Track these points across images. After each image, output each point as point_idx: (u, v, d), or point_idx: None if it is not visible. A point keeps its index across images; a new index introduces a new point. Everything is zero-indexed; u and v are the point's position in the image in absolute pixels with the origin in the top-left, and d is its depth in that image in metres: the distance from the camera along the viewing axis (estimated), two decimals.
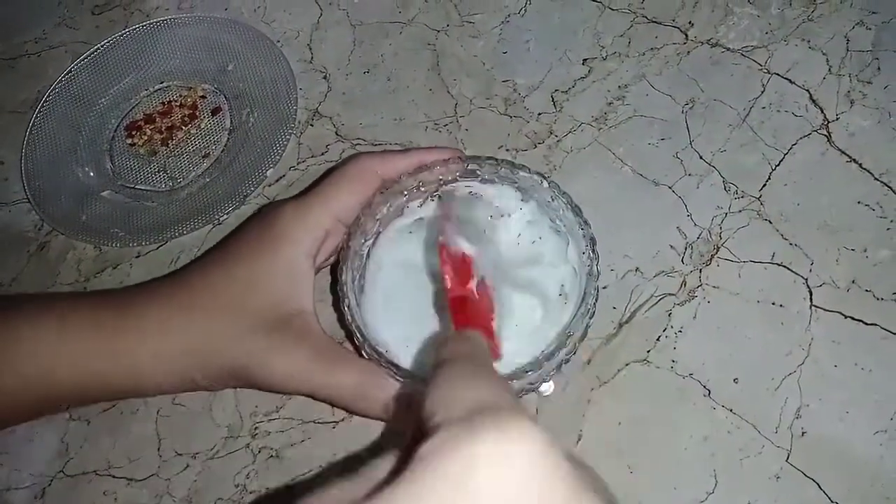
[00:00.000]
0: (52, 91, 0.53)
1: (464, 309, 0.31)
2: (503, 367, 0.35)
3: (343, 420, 0.40)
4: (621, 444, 0.38)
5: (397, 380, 0.35)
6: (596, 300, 0.36)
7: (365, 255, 0.39)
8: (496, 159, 0.39)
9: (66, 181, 0.50)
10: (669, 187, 0.45)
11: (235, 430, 0.40)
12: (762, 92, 0.47)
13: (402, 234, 0.40)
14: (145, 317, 0.37)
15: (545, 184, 0.38)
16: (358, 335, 0.35)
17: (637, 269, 0.42)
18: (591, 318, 0.36)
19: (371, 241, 0.39)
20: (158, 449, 0.41)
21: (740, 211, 0.43)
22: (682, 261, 0.42)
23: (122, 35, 0.55)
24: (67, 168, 0.50)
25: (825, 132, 0.45)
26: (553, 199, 0.38)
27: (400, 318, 0.37)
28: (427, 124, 0.49)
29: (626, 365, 0.40)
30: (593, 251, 0.36)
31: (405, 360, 0.36)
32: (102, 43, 0.55)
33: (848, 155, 0.44)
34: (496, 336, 0.32)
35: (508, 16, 0.53)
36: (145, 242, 0.47)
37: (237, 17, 0.56)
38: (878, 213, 0.42)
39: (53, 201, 0.49)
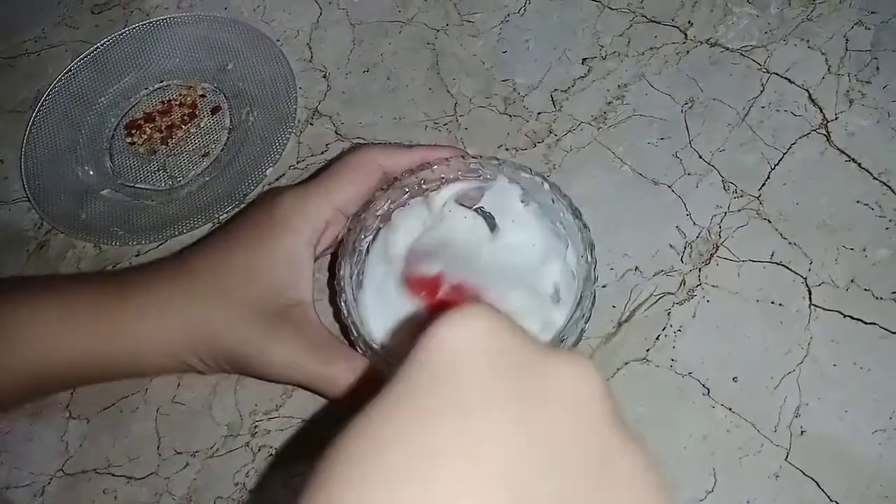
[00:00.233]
0: (51, 90, 0.53)
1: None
2: None
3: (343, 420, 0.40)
4: None
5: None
6: (592, 304, 0.36)
7: (364, 251, 0.39)
8: (498, 159, 0.39)
9: (66, 180, 0.50)
10: (669, 186, 0.45)
11: (235, 429, 0.40)
12: (761, 91, 0.47)
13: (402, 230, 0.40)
14: (145, 297, 0.37)
15: (546, 185, 0.38)
16: (353, 330, 0.35)
17: (636, 269, 0.42)
18: (586, 322, 0.36)
19: (371, 236, 0.39)
20: (158, 447, 0.41)
21: (739, 210, 0.43)
22: (681, 260, 0.42)
23: (121, 34, 0.55)
24: (67, 167, 0.50)
25: (824, 132, 0.45)
26: (554, 202, 0.38)
27: (396, 315, 0.37)
28: (426, 123, 0.49)
29: (626, 364, 0.40)
30: (591, 255, 0.36)
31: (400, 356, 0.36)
32: (102, 42, 0.55)
33: (847, 154, 0.44)
34: None
35: (508, 15, 0.53)
36: (145, 241, 0.47)
37: (237, 16, 0.56)
38: (877, 213, 0.42)
39: (53, 200, 0.49)
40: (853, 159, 0.44)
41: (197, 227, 0.47)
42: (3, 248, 0.49)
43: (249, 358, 0.36)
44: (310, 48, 0.54)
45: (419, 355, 0.19)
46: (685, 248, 0.43)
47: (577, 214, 0.37)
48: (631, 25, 0.51)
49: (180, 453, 0.40)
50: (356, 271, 0.38)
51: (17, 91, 0.55)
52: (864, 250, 0.41)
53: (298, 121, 0.51)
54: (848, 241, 0.41)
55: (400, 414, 0.18)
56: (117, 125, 0.53)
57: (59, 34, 0.58)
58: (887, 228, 0.42)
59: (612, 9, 0.52)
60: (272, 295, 0.36)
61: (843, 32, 0.48)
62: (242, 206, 0.48)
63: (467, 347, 0.19)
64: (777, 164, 0.44)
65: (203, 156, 0.51)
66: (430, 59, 0.52)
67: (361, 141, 0.49)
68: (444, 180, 0.40)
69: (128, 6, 0.58)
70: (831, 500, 0.35)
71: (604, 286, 0.42)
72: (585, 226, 0.37)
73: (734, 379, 0.39)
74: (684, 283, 0.42)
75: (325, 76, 0.52)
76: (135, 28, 0.55)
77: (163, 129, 0.52)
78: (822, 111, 0.46)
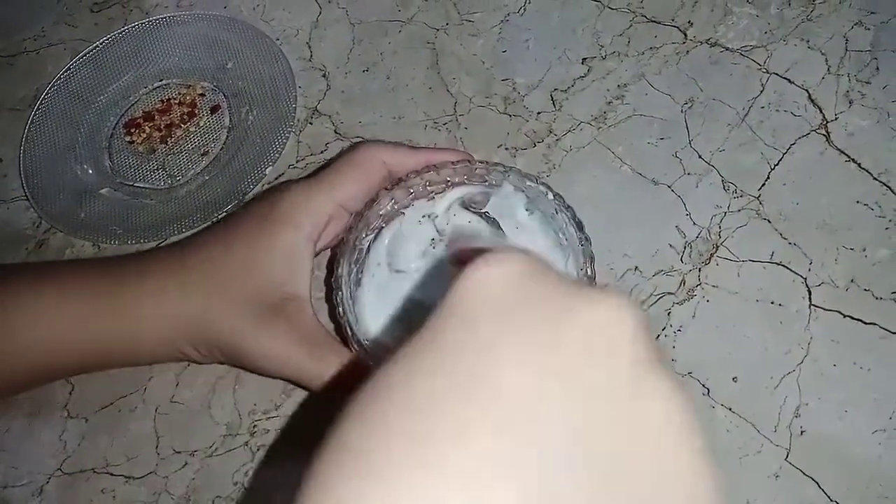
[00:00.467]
0: (50, 88, 0.53)
1: None
2: None
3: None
4: None
5: None
6: None
7: (365, 250, 0.39)
8: (505, 166, 0.39)
9: (65, 178, 0.50)
10: (668, 186, 0.45)
11: (234, 428, 0.40)
12: (761, 91, 0.47)
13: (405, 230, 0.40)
14: (144, 286, 0.37)
15: (550, 195, 0.38)
16: (347, 328, 0.35)
17: (636, 268, 0.42)
18: None
19: (372, 235, 0.39)
20: (157, 447, 0.40)
21: (739, 210, 0.43)
22: (681, 260, 0.42)
23: (121, 33, 0.55)
24: (66, 165, 0.50)
25: (824, 132, 0.45)
26: (557, 212, 0.38)
27: (394, 314, 0.37)
28: (426, 123, 0.49)
29: None
30: (592, 268, 0.36)
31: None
32: (101, 40, 0.55)
33: (847, 154, 0.44)
34: None
35: (508, 15, 0.53)
36: (143, 240, 0.47)
37: (236, 14, 0.56)
38: (876, 213, 0.42)
39: (52, 199, 0.49)
40: (853, 159, 0.44)
41: (196, 227, 0.47)
42: (1, 246, 0.48)
43: (242, 349, 0.36)
44: (309, 47, 0.54)
45: (450, 299, 0.19)
46: (685, 248, 0.43)
47: (579, 226, 0.37)
48: (631, 25, 0.51)
49: (179, 452, 0.40)
50: (355, 269, 0.38)
51: (16, 89, 0.55)
52: (864, 250, 0.41)
53: (298, 120, 0.51)
54: (848, 242, 0.41)
55: (429, 354, 0.18)
56: (116, 124, 0.52)
57: (58, 32, 0.58)
58: (887, 228, 0.42)
59: (612, 8, 0.52)
60: (269, 288, 0.36)
61: (842, 33, 0.48)
62: (242, 205, 0.48)
63: (499, 290, 0.18)
64: (777, 164, 0.44)
65: (202, 155, 0.51)
66: (429, 59, 0.52)
67: (361, 140, 0.49)
68: (449, 183, 0.40)
69: (127, 5, 0.58)
70: (831, 500, 0.35)
71: (604, 286, 0.42)
72: (587, 238, 0.37)
73: (734, 379, 0.39)
74: (684, 283, 0.41)
75: (324, 75, 0.52)
76: (134, 27, 0.55)
77: (162, 127, 0.52)
78: (821, 111, 0.46)
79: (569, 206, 0.38)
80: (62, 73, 0.54)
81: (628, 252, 0.43)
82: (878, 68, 0.47)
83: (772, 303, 0.40)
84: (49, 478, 0.40)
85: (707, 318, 0.40)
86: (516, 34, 0.52)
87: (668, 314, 0.41)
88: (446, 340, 0.18)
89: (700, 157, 0.45)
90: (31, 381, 0.40)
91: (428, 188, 0.40)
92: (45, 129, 0.52)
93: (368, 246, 0.39)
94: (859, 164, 0.44)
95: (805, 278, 0.41)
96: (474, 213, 0.40)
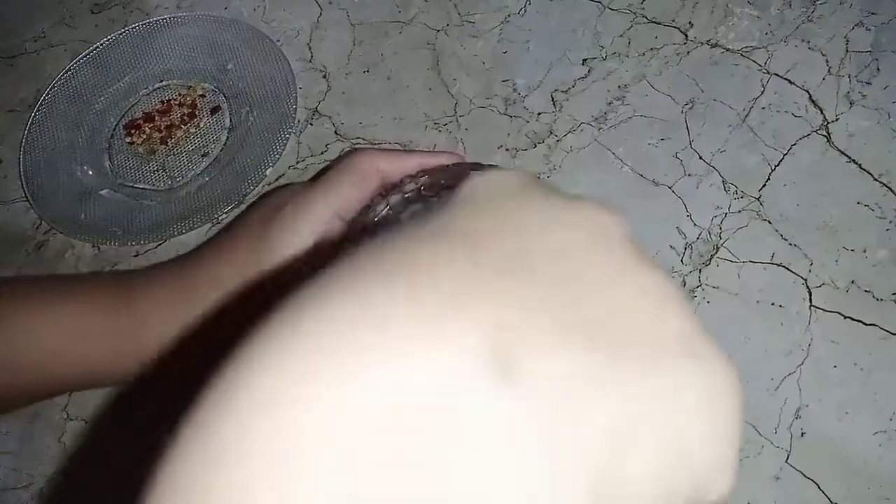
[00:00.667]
0: (51, 89, 0.53)
1: None
2: None
3: None
4: None
5: None
6: None
7: None
8: (498, 167, 0.39)
9: (65, 180, 0.50)
10: (669, 187, 0.45)
11: None
12: (762, 92, 0.47)
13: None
14: (151, 304, 0.37)
15: None
16: None
17: None
18: None
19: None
20: None
21: (740, 211, 0.43)
22: (681, 261, 0.42)
23: (121, 34, 0.55)
24: (66, 166, 0.50)
25: (825, 133, 0.45)
26: None
27: None
28: (427, 123, 0.49)
29: None
30: None
31: None
32: (102, 41, 0.55)
33: (847, 155, 0.44)
34: None
35: (508, 15, 0.53)
36: (144, 241, 0.47)
37: (237, 16, 0.56)
38: (877, 214, 0.42)
39: (52, 200, 0.49)
40: (854, 160, 0.44)
41: (196, 227, 0.47)
42: (1, 247, 0.48)
43: None
44: (310, 48, 0.54)
45: (458, 195, 0.18)
46: (685, 248, 0.43)
47: None
48: (631, 26, 0.51)
49: None
50: None
51: (16, 90, 0.55)
52: (865, 251, 0.41)
53: (298, 121, 0.51)
54: (848, 243, 0.41)
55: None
56: (117, 125, 0.52)
57: (58, 34, 0.58)
58: (888, 229, 0.41)
59: (613, 9, 0.52)
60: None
61: (843, 34, 0.48)
62: (242, 206, 0.48)
63: (498, 188, 0.18)
64: (777, 165, 0.44)
65: (202, 156, 0.51)
66: (430, 60, 0.52)
67: (361, 141, 0.49)
68: (444, 186, 0.39)
69: (128, 6, 0.58)
70: (831, 502, 0.35)
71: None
72: None
73: None
74: (684, 284, 0.41)
75: (325, 76, 0.52)
76: (134, 28, 0.55)
77: (162, 128, 0.52)
78: (822, 112, 0.46)
79: None
80: (62, 74, 0.54)
81: None
82: (878, 69, 0.46)
83: (772, 304, 0.40)
84: (49, 480, 0.40)
85: (707, 319, 0.40)
86: (517, 35, 0.52)
87: None
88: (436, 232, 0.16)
89: (701, 157, 0.45)
90: (32, 397, 0.40)
91: (423, 192, 0.39)
92: (46, 131, 0.52)
93: None
94: (860, 165, 0.44)
95: (805, 279, 0.41)
96: None
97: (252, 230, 0.37)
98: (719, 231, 0.43)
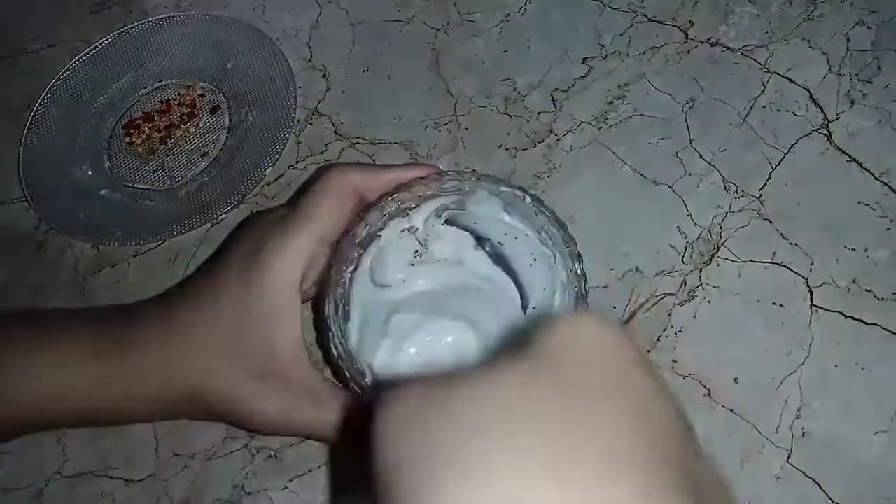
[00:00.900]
0: (50, 89, 0.53)
1: None
2: None
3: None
4: None
5: None
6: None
7: (348, 282, 0.37)
8: (476, 172, 0.38)
9: (64, 180, 0.50)
10: (669, 186, 0.44)
11: (233, 431, 0.40)
12: (762, 91, 0.47)
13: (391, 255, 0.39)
14: (137, 355, 0.36)
15: (527, 198, 0.37)
16: (344, 371, 0.34)
17: (637, 269, 0.42)
18: None
19: (353, 267, 0.37)
20: (156, 449, 0.40)
21: (740, 210, 0.43)
22: (682, 260, 0.42)
23: (120, 33, 0.55)
24: (65, 166, 0.50)
25: (825, 132, 0.45)
26: (537, 215, 0.37)
27: (385, 337, 0.37)
28: (427, 123, 0.49)
29: None
30: (580, 269, 0.35)
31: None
32: (101, 41, 0.55)
33: (848, 154, 0.44)
34: None
35: (508, 14, 0.53)
36: (143, 241, 0.47)
37: (236, 15, 0.56)
38: (878, 213, 0.42)
39: (51, 200, 0.49)
40: (854, 159, 0.44)
41: (196, 227, 0.47)
42: (0, 248, 0.48)
43: (240, 420, 0.36)
44: (309, 48, 0.54)
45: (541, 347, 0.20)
46: (686, 248, 0.42)
47: (562, 227, 0.36)
48: (632, 25, 0.51)
49: (178, 455, 0.40)
50: (341, 305, 0.36)
51: (15, 90, 0.55)
52: (866, 251, 0.41)
53: (298, 120, 0.50)
54: (849, 242, 0.41)
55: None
56: (116, 125, 0.52)
57: (58, 33, 0.57)
58: (888, 229, 0.41)
59: (613, 8, 0.52)
60: (261, 349, 0.35)
61: (844, 32, 0.48)
62: (242, 205, 0.48)
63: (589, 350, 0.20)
64: (778, 164, 0.44)
65: (202, 155, 0.50)
66: (430, 59, 0.52)
67: (361, 140, 0.49)
68: (422, 198, 0.39)
69: (127, 5, 0.58)
70: (833, 502, 0.35)
71: (604, 287, 0.41)
72: (571, 238, 0.36)
73: (735, 380, 0.38)
74: (685, 284, 0.41)
75: (324, 76, 0.52)
76: (134, 27, 0.55)
77: (161, 128, 0.52)
78: (823, 111, 0.46)
79: (547, 207, 0.36)
80: (62, 74, 0.54)
81: (629, 252, 0.43)
82: (879, 68, 0.46)
83: (773, 303, 0.40)
84: (48, 481, 0.40)
85: (708, 319, 0.40)
86: (517, 34, 0.52)
87: (669, 315, 0.41)
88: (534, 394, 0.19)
89: (701, 157, 0.45)
90: (22, 432, 0.40)
91: (401, 206, 0.38)
92: (45, 130, 0.52)
93: (351, 276, 0.37)
94: (861, 164, 0.43)
95: (806, 279, 0.41)
96: (456, 227, 0.39)
97: (234, 276, 0.36)
98: (720, 230, 0.43)
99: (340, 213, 0.37)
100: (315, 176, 0.39)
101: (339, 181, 0.37)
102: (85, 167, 0.50)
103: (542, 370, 0.20)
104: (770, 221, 0.42)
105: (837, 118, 0.45)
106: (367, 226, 0.37)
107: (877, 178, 0.43)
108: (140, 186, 0.50)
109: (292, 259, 0.35)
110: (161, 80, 0.54)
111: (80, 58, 0.54)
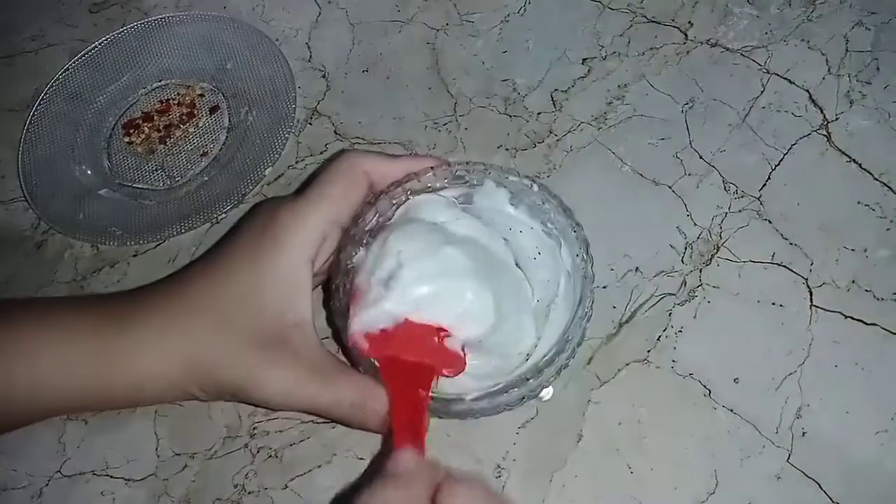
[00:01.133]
0: (49, 89, 0.53)
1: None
2: (504, 374, 0.35)
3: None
4: (621, 444, 0.37)
5: None
6: (592, 303, 0.36)
7: (357, 266, 0.37)
8: (484, 164, 0.39)
9: (64, 179, 0.50)
10: (669, 187, 0.44)
11: (234, 430, 0.40)
12: (762, 92, 0.47)
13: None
14: (145, 329, 0.36)
15: (535, 187, 0.38)
16: (354, 351, 0.35)
17: (637, 269, 0.42)
18: (588, 321, 0.36)
19: (363, 251, 0.37)
20: (156, 449, 0.40)
21: (740, 211, 0.43)
22: (682, 260, 0.42)
23: (119, 33, 0.55)
24: (65, 166, 0.50)
25: (825, 132, 0.45)
26: (544, 202, 0.38)
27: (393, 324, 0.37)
28: (426, 123, 0.49)
29: (626, 365, 0.39)
30: (587, 254, 0.36)
31: None
32: (100, 41, 0.55)
33: (847, 155, 0.44)
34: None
35: (508, 15, 0.53)
36: (143, 241, 0.47)
37: (236, 15, 0.56)
38: (877, 213, 0.42)
39: (50, 199, 0.49)
40: (854, 160, 0.44)
41: (195, 227, 0.47)
42: (0, 247, 0.48)
43: (250, 389, 0.35)
44: (309, 48, 0.54)
45: None
46: (686, 248, 0.42)
47: (568, 214, 0.37)
48: (631, 25, 0.51)
49: (179, 454, 0.40)
50: (350, 288, 0.37)
51: (14, 90, 0.55)
52: (865, 251, 0.41)
53: (297, 120, 0.50)
54: (849, 242, 0.41)
55: None
56: (115, 124, 0.52)
57: (57, 33, 0.57)
58: (888, 229, 0.41)
59: (613, 9, 0.52)
60: (271, 321, 0.35)
61: (843, 33, 0.48)
62: (241, 205, 0.47)
63: None
64: (778, 164, 0.44)
65: (202, 155, 0.50)
66: (429, 59, 0.52)
67: (361, 141, 0.49)
68: (430, 189, 0.39)
69: (126, 5, 0.58)
70: (833, 502, 0.35)
71: (604, 287, 0.41)
72: (578, 224, 0.37)
73: (735, 380, 0.38)
74: (685, 284, 0.41)
75: (324, 76, 0.52)
76: (133, 27, 0.55)
77: (161, 128, 0.52)
78: (822, 112, 0.46)
79: (555, 195, 0.37)
80: (61, 74, 0.54)
81: (629, 253, 0.43)
82: (878, 68, 0.47)
83: (773, 304, 0.40)
84: (48, 480, 0.40)
85: (708, 319, 0.40)
86: (516, 34, 0.52)
87: (669, 315, 0.41)
88: None
89: (701, 157, 0.45)
90: (29, 420, 0.40)
91: (411, 196, 0.39)
92: (44, 130, 0.52)
93: (359, 263, 0.38)
94: (860, 165, 0.44)
95: (806, 279, 0.41)
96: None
97: (246, 252, 0.36)
98: (720, 231, 0.43)
99: (352, 198, 0.37)
100: (329, 160, 0.40)
101: (353, 166, 0.38)
102: (84, 167, 0.50)
103: None
104: (770, 221, 0.43)
105: (837, 119, 0.45)
106: (376, 213, 0.38)
107: (876, 179, 0.43)
108: (139, 186, 0.50)
109: (306, 236, 0.36)
110: (160, 80, 0.54)
111: (80, 58, 0.54)
